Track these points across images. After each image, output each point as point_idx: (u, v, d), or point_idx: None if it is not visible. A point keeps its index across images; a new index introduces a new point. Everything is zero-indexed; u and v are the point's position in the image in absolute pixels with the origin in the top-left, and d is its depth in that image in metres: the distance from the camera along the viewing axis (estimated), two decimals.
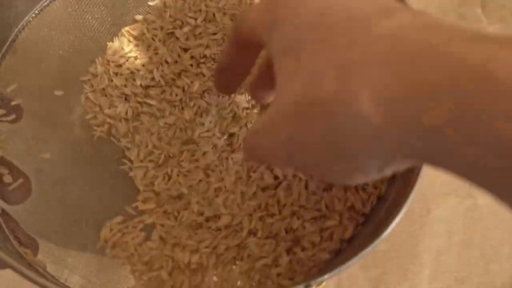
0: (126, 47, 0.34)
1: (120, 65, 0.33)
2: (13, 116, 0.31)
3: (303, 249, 0.28)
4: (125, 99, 0.33)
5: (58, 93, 0.33)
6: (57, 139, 0.32)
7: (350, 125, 0.17)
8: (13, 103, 0.31)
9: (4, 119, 0.31)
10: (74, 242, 0.30)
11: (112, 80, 0.33)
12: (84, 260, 0.29)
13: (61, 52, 0.34)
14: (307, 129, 0.18)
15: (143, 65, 0.33)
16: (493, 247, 0.39)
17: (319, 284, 0.38)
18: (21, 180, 0.30)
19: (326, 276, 0.24)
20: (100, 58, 0.34)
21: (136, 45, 0.34)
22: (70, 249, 0.29)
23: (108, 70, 0.33)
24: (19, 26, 0.33)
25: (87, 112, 0.33)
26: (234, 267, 0.28)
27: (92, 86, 0.33)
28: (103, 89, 0.33)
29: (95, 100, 0.33)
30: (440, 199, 0.41)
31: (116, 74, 0.33)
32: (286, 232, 0.29)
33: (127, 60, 0.34)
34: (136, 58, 0.34)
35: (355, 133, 0.17)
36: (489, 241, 0.39)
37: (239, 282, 0.28)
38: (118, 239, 0.29)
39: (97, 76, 0.33)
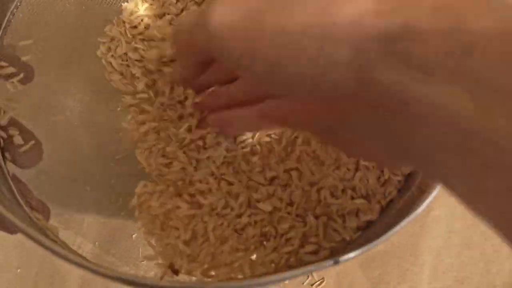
0: (141, 7, 0.33)
1: (136, 26, 0.33)
2: (22, 75, 0.29)
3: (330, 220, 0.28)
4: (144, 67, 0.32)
5: (72, 52, 0.32)
6: (71, 100, 0.31)
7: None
8: (23, 58, 0.30)
9: (14, 79, 0.29)
10: (87, 208, 0.29)
11: (129, 43, 0.32)
12: (98, 227, 0.28)
13: (73, 8, 0.33)
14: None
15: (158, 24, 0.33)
16: (493, 247, 0.39)
17: (319, 284, 0.38)
18: (32, 142, 0.28)
19: (352, 254, 0.23)
20: (116, 19, 0.33)
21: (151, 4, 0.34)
22: (83, 215, 0.29)
23: (125, 32, 0.33)
24: None
25: (103, 74, 0.32)
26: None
27: (110, 49, 0.33)
28: (124, 54, 0.32)
29: (117, 67, 0.32)
30: (440, 199, 0.41)
31: (133, 36, 0.33)
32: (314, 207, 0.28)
33: (142, 20, 0.33)
34: (150, 17, 0.33)
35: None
36: (489, 241, 0.39)
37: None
38: (145, 202, 0.28)
39: (113, 39, 0.33)
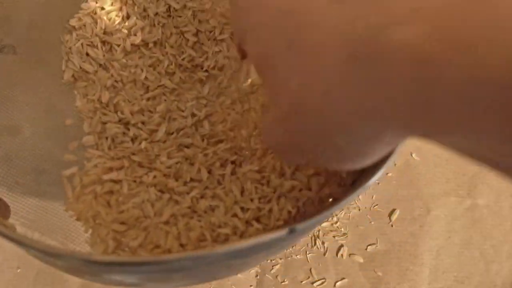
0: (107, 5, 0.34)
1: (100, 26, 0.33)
2: None
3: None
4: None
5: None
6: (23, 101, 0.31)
7: (337, 119, 0.18)
8: None
9: None
10: (43, 201, 0.29)
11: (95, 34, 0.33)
12: (53, 219, 0.28)
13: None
14: (302, 125, 0.19)
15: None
16: (493, 247, 0.39)
17: (319, 284, 0.38)
18: None
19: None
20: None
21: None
22: (40, 210, 0.28)
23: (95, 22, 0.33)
24: None
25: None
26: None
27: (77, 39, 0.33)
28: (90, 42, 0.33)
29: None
30: (440, 199, 0.41)
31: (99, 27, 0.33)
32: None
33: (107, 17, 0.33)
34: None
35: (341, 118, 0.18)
36: (489, 241, 0.39)
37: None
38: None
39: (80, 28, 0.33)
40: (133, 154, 0.29)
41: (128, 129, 0.30)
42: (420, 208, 0.41)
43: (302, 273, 0.38)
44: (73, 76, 0.32)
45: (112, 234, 0.26)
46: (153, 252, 0.25)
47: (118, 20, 0.33)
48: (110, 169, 0.28)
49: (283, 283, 0.38)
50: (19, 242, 0.21)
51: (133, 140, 0.30)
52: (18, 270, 0.38)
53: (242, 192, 0.27)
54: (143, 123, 0.30)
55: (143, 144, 0.29)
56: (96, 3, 0.34)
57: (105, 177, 0.28)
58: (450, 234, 0.40)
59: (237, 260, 0.22)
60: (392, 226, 0.40)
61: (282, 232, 0.20)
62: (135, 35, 0.33)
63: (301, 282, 0.38)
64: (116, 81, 0.32)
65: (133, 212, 0.26)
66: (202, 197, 0.27)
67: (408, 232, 0.40)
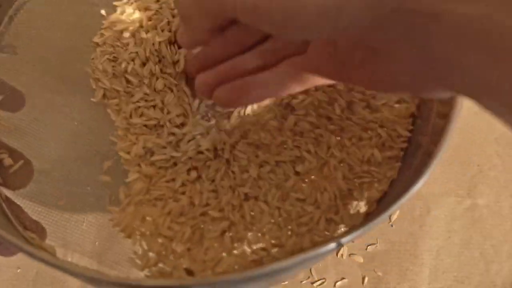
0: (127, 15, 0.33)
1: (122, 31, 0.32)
2: (14, 104, 0.29)
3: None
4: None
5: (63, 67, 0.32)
6: (57, 120, 0.31)
7: None
8: (13, 84, 0.29)
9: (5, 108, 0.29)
10: (82, 223, 0.29)
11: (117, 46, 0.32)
12: (93, 240, 0.28)
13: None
14: None
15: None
16: (493, 247, 0.39)
17: (320, 284, 0.38)
18: (21, 162, 0.28)
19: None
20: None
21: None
22: (78, 230, 0.29)
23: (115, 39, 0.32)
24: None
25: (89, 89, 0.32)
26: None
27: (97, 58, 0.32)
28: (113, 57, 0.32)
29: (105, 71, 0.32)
30: (440, 199, 0.41)
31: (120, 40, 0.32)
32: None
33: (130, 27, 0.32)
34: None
35: None
36: (489, 241, 0.39)
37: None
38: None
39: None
40: (176, 163, 0.29)
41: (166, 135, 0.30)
42: (420, 208, 0.41)
43: (302, 273, 0.38)
44: (104, 95, 0.31)
45: (158, 242, 0.26)
46: (196, 261, 0.25)
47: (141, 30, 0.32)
48: (152, 177, 0.29)
49: (283, 283, 0.38)
50: (59, 267, 0.21)
51: (169, 144, 0.30)
52: (18, 270, 0.38)
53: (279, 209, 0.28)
54: (178, 128, 0.30)
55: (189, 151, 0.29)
56: (119, 13, 0.33)
57: (154, 186, 0.28)
58: (450, 234, 0.40)
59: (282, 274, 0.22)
60: (392, 226, 0.40)
61: (332, 245, 0.20)
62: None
63: (301, 282, 0.38)
64: (146, 93, 0.31)
65: (178, 206, 0.27)
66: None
67: (408, 232, 0.40)
